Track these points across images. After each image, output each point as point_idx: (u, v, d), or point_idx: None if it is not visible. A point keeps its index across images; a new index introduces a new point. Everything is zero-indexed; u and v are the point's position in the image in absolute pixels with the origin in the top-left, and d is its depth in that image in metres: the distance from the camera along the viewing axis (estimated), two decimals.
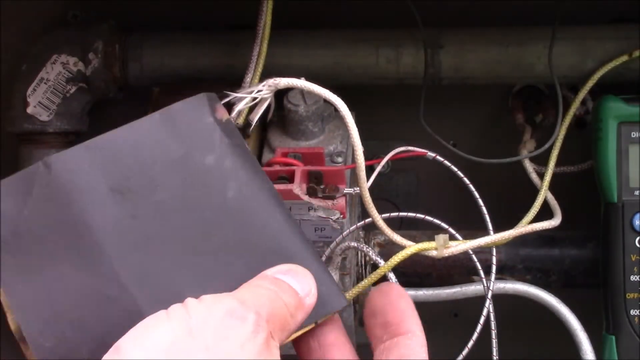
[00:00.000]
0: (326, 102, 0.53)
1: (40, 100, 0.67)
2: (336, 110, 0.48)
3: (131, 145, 0.38)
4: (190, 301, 0.32)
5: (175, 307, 0.32)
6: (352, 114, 0.48)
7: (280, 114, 0.61)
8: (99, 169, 0.37)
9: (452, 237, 0.56)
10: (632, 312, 0.60)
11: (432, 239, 0.56)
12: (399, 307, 0.38)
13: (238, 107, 0.49)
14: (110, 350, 0.31)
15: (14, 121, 0.68)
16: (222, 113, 0.40)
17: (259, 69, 0.57)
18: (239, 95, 0.48)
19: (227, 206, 0.38)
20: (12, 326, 0.37)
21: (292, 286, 0.35)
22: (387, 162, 0.56)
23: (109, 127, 0.76)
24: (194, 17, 0.72)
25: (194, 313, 0.32)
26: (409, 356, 0.36)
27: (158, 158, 0.38)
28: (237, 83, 0.58)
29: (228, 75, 0.66)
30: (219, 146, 0.39)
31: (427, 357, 0.36)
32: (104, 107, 0.73)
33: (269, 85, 0.47)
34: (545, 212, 0.61)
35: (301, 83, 0.47)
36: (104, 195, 0.37)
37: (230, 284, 0.36)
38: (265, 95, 0.48)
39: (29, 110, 0.67)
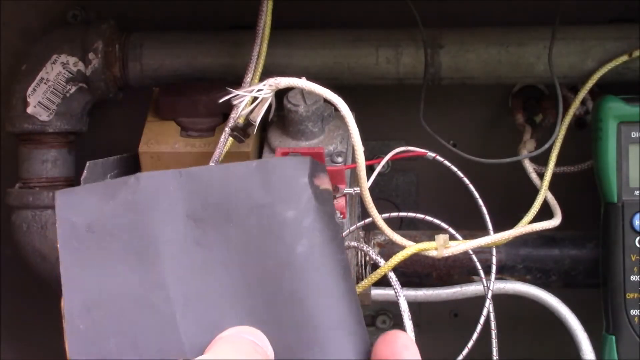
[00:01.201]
0: (326, 102, 0.53)
1: (40, 100, 0.67)
2: (336, 110, 0.48)
3: (220, 183, 0.40)
4: None
5: None
6: (352, 114, 0.48)
7: (280, 114, 0.61)
8: (182, 194, 0.40)
9: (452, 237, 0.56)
10: (632, 312, 0.60)
11: (432, 239, 0.56)
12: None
13: (239, 107, 0.49)
14: None
15: (14, 121, 0.68)
16: (323, 182, 0.41)
17: (259, 69, 0.57)
18: (239, 93, 0.48)
19: (292, 260, 0.39)
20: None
21: (262, 346, 0.36)
22: (387, 162, 0.56)
23: (109, 127, 0.77)
24: (194, 17, 0.72)
25: None
26: None
27: (241, 200, 0.40)
28: (237, 83, 0.58)
29: (228, 75, 0.66)
30: (305, 205, 0.40)
31: None
32: (104, 107, 0.73)
33: (270, 85, 0.47)
34: (545, 212, 0.61)
35: (302, 83, 0.47)
36: (179, 217, 0.39)
37: (269, 335, 0.37)
38: (266, 95, 0.47)
39: (29, 110, 0.67)
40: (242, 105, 0.49)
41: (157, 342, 0.37)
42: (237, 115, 0.53)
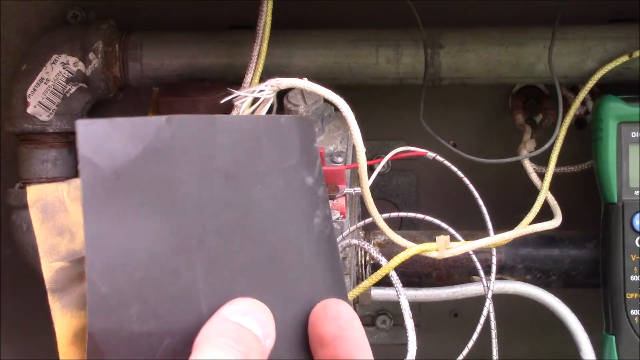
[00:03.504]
0: (326, 102, 0.53)
1: (40, 100, 0.67)
2: (337, 110, 0.48)
3: (250, 136, 0.38)
4: None
5: None
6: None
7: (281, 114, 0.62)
8: (215, 144, 0.37)
9: (452, 238, 0.56)
10: (632, 312, 0.60)
11: (432, 239, 0.56)
12: (351, 339, 0.35)
13: (241, 108, 0.49)
14: None
15: (14, 121, 0.68)
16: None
17: (259, 69, 0.57)
18: (241, 94, 0.49)
19: (311, 231, 0.38)
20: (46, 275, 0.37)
21: (255, 332, 0.35)
22: (387, 162, 0.56)
23: None
24: (194, 17, 0.72)
25: None
26: None
27: (270, 158, 0.38)
28: (237, 83, 0.58)
29: (228, 75, 0.66)
30: (318, 172, 0.39)
31: None
32: (104, 107, 0.73)
33: (272, 86, 0.47)
34: (544, 212, 0.61)
35: (303, 83, 0.47)
36: (211, 172, 0.37)
37: (279, 304, 0.36)
38: (268, 96, 0.48)
39: (29, 110, 0.67)
40: (243, 106, 0.49)
41: (178, 312, 0.35)
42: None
